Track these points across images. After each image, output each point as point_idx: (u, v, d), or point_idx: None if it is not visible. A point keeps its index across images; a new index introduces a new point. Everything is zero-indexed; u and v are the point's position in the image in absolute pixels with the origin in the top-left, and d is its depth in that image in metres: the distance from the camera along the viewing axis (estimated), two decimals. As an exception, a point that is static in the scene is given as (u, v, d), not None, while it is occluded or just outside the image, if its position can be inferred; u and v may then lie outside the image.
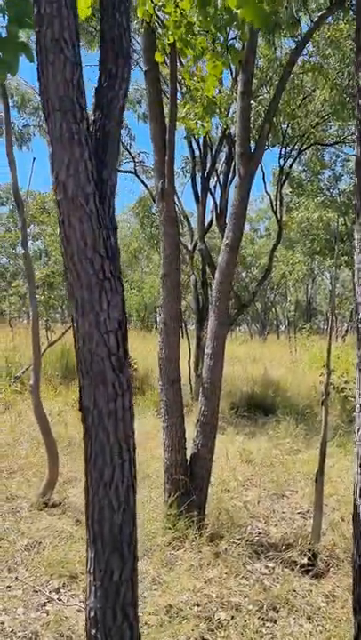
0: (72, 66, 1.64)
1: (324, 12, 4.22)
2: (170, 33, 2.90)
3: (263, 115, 8.53)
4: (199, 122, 3.94)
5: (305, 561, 3.46)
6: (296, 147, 10.41)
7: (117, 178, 1.78)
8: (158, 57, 3.29)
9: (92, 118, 1.77)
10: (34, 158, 5.17)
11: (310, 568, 3.41)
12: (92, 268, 1.66)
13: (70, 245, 1.67)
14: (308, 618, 2.95)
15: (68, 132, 1.63)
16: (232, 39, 4.21)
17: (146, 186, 12.18)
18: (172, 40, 2.96)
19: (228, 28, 2.69)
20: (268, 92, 8.88)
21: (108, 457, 1.75)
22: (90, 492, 1.80)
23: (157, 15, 3.42)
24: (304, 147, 10.52)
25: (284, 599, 3.08)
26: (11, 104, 10.40)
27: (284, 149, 10.13)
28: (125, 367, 1.75)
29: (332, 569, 3.47)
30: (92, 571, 1.79)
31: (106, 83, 1.78)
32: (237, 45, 4.37)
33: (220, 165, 10.00)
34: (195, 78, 3.45)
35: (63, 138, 1.63)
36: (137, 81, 11.75)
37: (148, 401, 8.30)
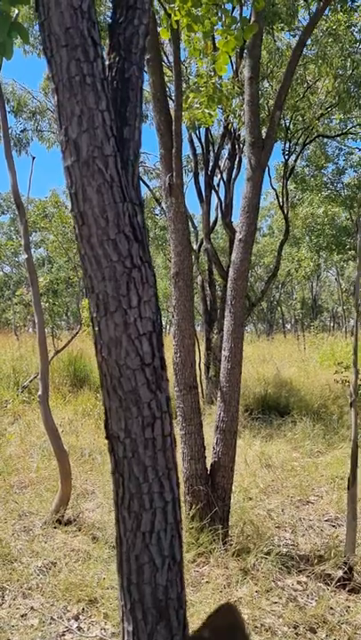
0: None
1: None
2: (176, 9, 2.69)
3: (267, 107, 8.33)
4: (206, 110, 3.72)
5: (340, 574, 3.22)
6: (300, 141, 10.19)
7: (141, 138, 1.37)
8: (164, 34, 3.06)
9: (108, 62, 1.36)
10: (33, 157, 4.97)
11: (346, 582, 3.17)
12: (116, 254, 1.27)
13: (86, 224, 1.27)
14: (349, 639, 2.72)
15: (78, 74, 1.23)
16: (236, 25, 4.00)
17: (148, 187, 11.96)
18: (178, 17, 2.74)
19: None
20: (271, 86, 8.68)
21: (146, 499, 1.34)
22: (123, 546, 1.38)
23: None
24: (308, 140, 10.30)
25: (322, 618, 2.85)
26: (7, 109, 10.23)
27: (288, 143, 9.91)
28: (164, 381, 1.35)
29: (369, 582, 3.24)
30: None
31: (122, 17, 1.38)
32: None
33: (224, 162, 9.80)
34: (207, 57, 3.22)
35: (72, 82, 1.23)
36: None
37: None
